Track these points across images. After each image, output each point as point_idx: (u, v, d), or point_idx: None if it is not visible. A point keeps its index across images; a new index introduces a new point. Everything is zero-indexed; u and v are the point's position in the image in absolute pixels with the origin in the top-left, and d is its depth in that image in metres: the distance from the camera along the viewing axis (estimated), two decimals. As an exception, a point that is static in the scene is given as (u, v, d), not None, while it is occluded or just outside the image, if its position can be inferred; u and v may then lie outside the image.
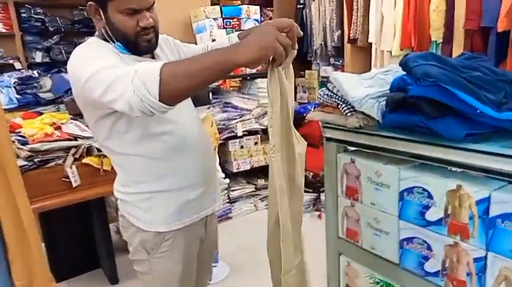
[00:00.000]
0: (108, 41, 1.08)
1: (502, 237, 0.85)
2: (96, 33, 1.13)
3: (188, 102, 1.23)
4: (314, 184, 3.36)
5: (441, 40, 2.95)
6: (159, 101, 0.83)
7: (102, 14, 1.04)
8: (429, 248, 1.00)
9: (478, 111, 0.92)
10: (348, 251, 1.28)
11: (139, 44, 1.07)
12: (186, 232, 1.18)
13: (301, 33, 0.96)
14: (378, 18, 3.37)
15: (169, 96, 0.84)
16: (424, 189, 0.99)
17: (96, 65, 0.91)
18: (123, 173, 1.16)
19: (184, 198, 1.15)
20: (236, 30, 3.22)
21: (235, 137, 3.26)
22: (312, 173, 3.37)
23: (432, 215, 0.98)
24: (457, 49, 2.82)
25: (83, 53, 1.00)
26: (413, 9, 3.07)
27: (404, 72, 1.11)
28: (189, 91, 0.88)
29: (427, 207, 0.99)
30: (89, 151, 2.02)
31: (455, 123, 0.95)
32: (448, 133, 0.94)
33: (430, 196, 0.98)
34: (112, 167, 2.01)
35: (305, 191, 3.38)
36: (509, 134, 0.92)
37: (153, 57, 1.17)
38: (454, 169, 0.99)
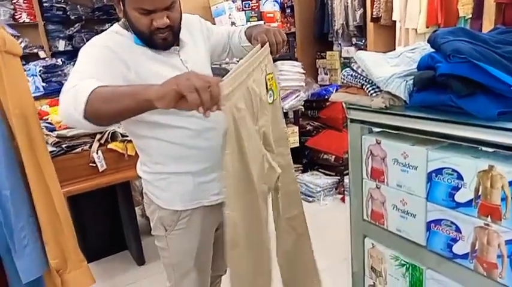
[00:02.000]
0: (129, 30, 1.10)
1: (537, 218, 0.82)
2: (122, 20, 1.14)
3: None
4: (337, 167, 3.33)
5: (470, 15, 2.82)
6: (84, 118, 0.87)
7: (121, 5, 1.06)
8: (458, 230, 0.98)
9: (512, 87, 0.88)
10: (373, 233, 1.27)
11: (154, 41, 1.08)
12: (203, 212, 1.20)
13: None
14: (402, -5, 3.25)
15: (92, 116, 0.87)
16: (453, 170, 0.97)
17: (71, 79, 0.95)
18: (142, 154, 1.21)
19: (200, 180, 1.18)
20: (255, 12, 3.19)
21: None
22: (334, 156, 3.34)
23: (462, 196, 0.95)
24: (488, 24, 2.70)
25: (84, 51, 1.04)
26: (439, -16, 2.95)
27: (432, 50, 1.07)
28: (109, 115, 0.89)
29: (456, 188, 0.96)
30: (113, 136, 2.06)
31: (487, 101, 0.91)
32: (480, 112, 0.90)
33: (460, 177, 0.95)
34: (136, 152, 2.06)
35: (327, 175, 3.38)
36: (545, 112, 0.88)
37: (177, 45, 1.17)
38: (485, 149, 0.96)
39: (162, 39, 1.07)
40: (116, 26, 1.14)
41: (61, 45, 4.46)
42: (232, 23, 3.09)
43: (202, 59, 1.26)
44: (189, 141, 1.13)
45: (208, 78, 0.81)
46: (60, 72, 2.95)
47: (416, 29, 3.18)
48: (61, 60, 3.09)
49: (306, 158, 3.65)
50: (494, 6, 2.65)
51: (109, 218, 2.56)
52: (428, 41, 1.09)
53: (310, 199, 3.15)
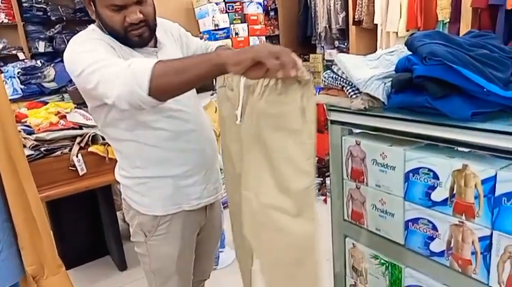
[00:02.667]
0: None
1: (507, 215, 0.84)
2: (96, 22, 1.11)
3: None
4: (319, 169, 3.36)
5: (448, 20, 2.90)
6: (148, 95, 0.84)
7: (92, 7, 1.04)
8: (434, 228, 1.00)
9: (485, 89, 0.90)
10: (353, 233, 1.28)
11: (129, 38, 1.06)
12: (184, 217, 1.19)
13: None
14: (383, -1, 3.31)
15: (158, 91, 0.84)
16: (429, 169, 0.99)
17: (88, 59, 0.92)
18: (121, 158, 1.19)
19: (181, 184, 1.16)
20: (238, 15, 3.20)
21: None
22: (317, 158, 3.36)
23: (438, 195, 0.98)
24: (465, 28, 2.78)
25: (77, 45, 1.00)
26: (419, -11, 3.01)
27: (410, 53, 1.09)
28: (179, 87, 0.87)
29: (432, 187, 0.99)
30: (94, 139, 2.03)
31: (461, 103, 0.94)
32: (454, 113, 0.93)
33: (435, 177, 0.97)
34: (118, 155, 2.04)
35: (311, 176, 3.39)
36: (515, 113, 0.91)
37: (155, 46, 1.16)
38: (460, 149, 0.98)
39: (137, 35, 1.05)
40: (92, 26, 1.11)
41: (41, 46, 4.37)
42: (216, 25, 3.09)
43: None
44: (168, 144, 1.11)
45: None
46: (39, 74, 2.89)
47: (397, 32, 3.24)
48: (41, 61, 3.03)
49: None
50: (470, 11, 2.73)
51: (90, 223, 2.52)
52: (406, 44, 1.11)
53: (294, 201, 3.16)
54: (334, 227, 1.36)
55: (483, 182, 0.87)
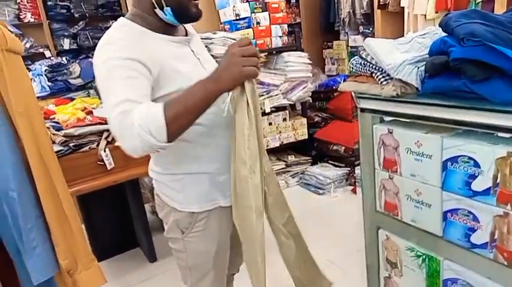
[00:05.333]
0: (154, 8, 1.04)
1: (560, 206, 0.78)
2: (129, 12, 1.09)
3: None
4: (347, 158, 3.29)
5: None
6: (167, 142, 0.90)
7: None
8: (476, 219, 0.95)
9: (530, 70, 0.84)
10: (387, 224, 1.24)
11: (190, 9, 1.07)
12: (220, 213, 1.17)
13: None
14: (409, -20, 3.17)
15: (174, 136, 0.91)
16: (470, 158, 0.93)
17: (108, 96, 0.93)
18: (156, 155, 1.17)
19: (216, 179, 1.14)
20: (259, 3, 3.14)
21: (263, 114, 3.21)
22: (344, 147, 3.30)
23: (479, 184, 0.92)
24: (499, 7, 2.63)
25: (106, 63, 0.96)
26: (448, -33, 2.87)
27: (444, 34, 1.03)
28: (189, 126, 0.95)
29: (473, 176, 0.93)
30: (120, 134, 2.05)
31: (503, 85, 0.88)
32: (496, 96, 0.87)
33: (476, 165, 0.92)
34: (144, 149, 2.05)
35: (337, 166, 3.35)
36: None
37: (186, 35, 1.16)
38: (502, 135, 0.92)
39: (195, 6, 1.08)
40: (124, 21, 1.06)
41: (66, 43, 4.46)
42: (237, 15, 3.05)
43: (211, 59, 1.23)
44: (203, 139, 1.10)
45: (254, 50, 0.94)
46: (65, 71, 2.94)
47: (425, 15, 3.10)
48: (66, 58, 3.08)
49: (315, 150, 3.61)
50: (505, -13, 2.57)
51: (119, 216, 2.56)
52: (440, 25, 1.05)
53: (321, 192, 3.12)
54: (366, 218, 1.31)
55: (531, 170, 0.82)
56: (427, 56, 1.08)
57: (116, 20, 1.11)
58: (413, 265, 1.16)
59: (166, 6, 1.03)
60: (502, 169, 0.87)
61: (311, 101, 3.61)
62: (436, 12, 3.02)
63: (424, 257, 1.12)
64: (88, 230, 2.48)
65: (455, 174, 0.97)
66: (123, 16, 1.09)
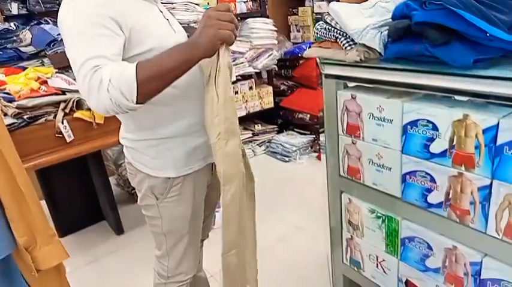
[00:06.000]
0: None
1: (509, 164, 0.83)
2: None
3: (181, 39, 1.14)
4: (312, 126, 3.34)
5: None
6: (136, 103, 0.87)
7: None
8: (432, 180, 0.99)
9: (488, 34, 0.86)
10: (350, 188, 1.28)
11: None
12: (195, 177, 1.17)
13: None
14: None
15: (145, 98, 0.89)
16: (428, 121, 0.96)
17: (77, 54, 0.90)
18: (129, 121, 1.14)
19: (191, 143, 1.14)
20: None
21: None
22: (309, 115, 3.33)
23: (436, 147, 0.96)
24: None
25: (75, 19, 0.92)
26: None
27: (407, -2, 1.03)
28: (162, 90, 0.92)
29: (431, 139, 0.96)
30: (79, 105, 1.95)
31: (463, 49, 0.90)
32: (456, 60, 0.89)
33: (435, 128, 0.95)
34: (105, 120, 1.97)
35: (303, 134, 3.39)
36: (519, 59, 0.87)
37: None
38: (459, 98, 0.95)
39: None
40: None
41: (14, 8, 4.11)
42: None
43: (175, 20, 1.20)
44: (177, 102, 1.08)
45: (231, 16, 0.93)
46: (15, 38, 2.73)
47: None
48: (14, 24, 2.85)
49: (281, 118, 3.63)
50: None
51: (83, 189, 2.49)
52: (403, -11, 1.05)
53: (287, 159, 3.17)
54: (329, 183, 1.35)
55: (484, 131, 0.85)
56: (390, 20, 1.08)
57: None
58: (374, 226, 1.22)
59: None
60: (458, 131, 0.90)
61: (277, 69, 3.58)
62: (400, -21, 3.02)
63: (383, 218, 1.17)
64: (51, 205, 2.40)
65: (415, 137, 1.00)
66: None
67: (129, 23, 0.97)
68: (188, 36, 1.10)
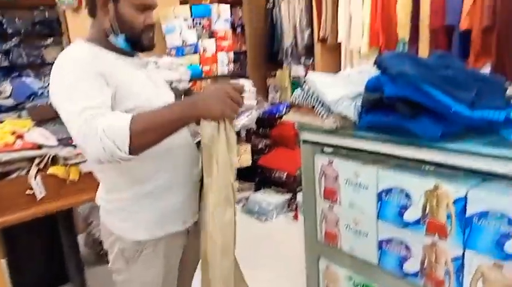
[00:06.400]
0: (108, 36, 1.07)
1: (479, 235, 0.86)
2: (89, 35, 1.10)
3: (169, 102, 1.18)
4: (289, 184, 3.36)
5: (408, 39, 3.01)
6: (128, 155, 0.89)
7: (112, 6, 1.05)
8: (408, 248, 1.00)
9: (452, 110, 0.93)
10: (327, 254, 1.27)
11: (142, 40, 1.10)
12: (168, 241, 1.14)
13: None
14: (346, 18, 3.41)
15: (138, 150, 0.91)
16: (402, 189, 0.99)
17: (72, 104, 0.92)
18: (104, 180, 1.14)
19: (166, 204, 1.11)
20: (206, 31, 3.18)
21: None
22: (286, 174, 3.36)
23: (410, 215, 0.98)
24: (423, 47, 2.89)
25: (67, 72, 0.96)
26: (380, 9, 3.13)
27: (379, 72, 1.11)
28: (156, 143, 0.94)
29: (405, 207, 0.99)
30: (54, 160, 1.91)
31: (430, 123, 0.95)
32: (424, 133, 0.94)
33: (408, 196, 0.98)
34: (80, 177, 1.93)
35: (280, 192, 3.39)
36: (482, 132, 0.93)
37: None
38: (431, 168, 1.00)
39: (148, 39, 1.12)
40: (80, 41, 1.08)
41: (-4, 60, 4.15)
42: (183, 41, 3.06)
43: (166, 86, 1.25)
44: (154, 162, 1.07)
45: (241, 99, 0.97)
46: (-6, 90, 2.72)
47: (359, 50, 3.33)
48: (-5, 76, 2.85)
49: (258, 176, 3.64)
50: (428, 31, 2.85)
51: (48, 247, 2.36)
52: (375, 64, 1.13)
53: (263, 218, 3.13)
54: (307, 248, 1.34)
55: (454, 201, 0.89)
56: (364, 91, 1.15)
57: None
58: (353, 293, 1.20)
59: (121, 33, 1.07)
60: (430, 200, 0.93)
61: (255, 128, 3.66)
62: (370, 49, 3.26)
63: (361, 286, 1.16)
64: (12, 264, 2.24)
65: (390, 204, 1.03)
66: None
67: (115, 82, 1.01)
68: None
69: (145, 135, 0.90)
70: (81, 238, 2.59)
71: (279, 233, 2.92)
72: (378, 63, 1.09)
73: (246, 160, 3.49)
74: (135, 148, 0.89)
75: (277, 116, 3.64)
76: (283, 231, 2.94)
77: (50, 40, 4.42)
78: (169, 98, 1.19)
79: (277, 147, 3.68)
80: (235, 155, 1.04)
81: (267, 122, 3.78)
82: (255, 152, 3.64)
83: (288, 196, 3.31)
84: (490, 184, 0.87)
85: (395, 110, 1.01)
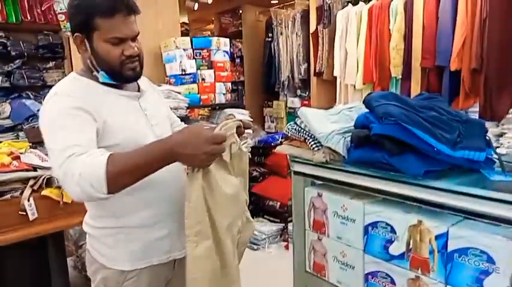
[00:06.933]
0: (92, 72, 1.10)
1: (459, 271, 0.89)
2: (81, 67, 1.14)
3: (158, 132, 1.18)
4: (281, 214, 3.36)
5: (400, 77, 3.12)
6: (107, 194, 0.91)
7: (87, 44, 1.07)
8: (393, 282, 1.03)
9: (435, 149, 0.98)
10: (315, 284, 1.28)
11: (124, 72, 1.09)
12: (152, 272, 1.13)
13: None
14: (341, 54, 3.53)
15: (116, 190, 0.92)
16: (387, 224, 1.03)
17: (53, 142, 0.95)
18: (91, 207, 1.14)
19: (152, 235, 1.12)
20: (205, 61, 3.28)
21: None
22: (279, 203, 3.38)
23: (395, 249, 1.01)
24: (415, 86, 2.99)
25: (56, 112, 1.00)
26: (374, 47, 3.25)
27: (368, 110, 1.16)
28: (135, 182, 0.95)
29: (390, 241, 1.02)
30: (49, 182, 1.93)
31: (414, 161, 1.00)
32: (408, 170, 0.99)
33: (393, 231, 1.01)
34: (73, 200, 1.94)
35: (272, 221, 3.39)
36: (464, 172, 0.98)
37: (138, 90, 1.19)
38: (415, 204, 1.03)
39: (131, 69, 1.10)
40: (74, 75, 1.12)
41: (-3, 81, 4.21)
42: (183, 70, 3.14)
43: (162, 114, 1.26)
44: (141, 192, 1.08)
45: (222, 148, 0.95)
46: (-6, 110, 2.77)
47: (354, 85, 3.44)
48: (-5, 96, 2.90)
49: (252, 204, 3.65)
50: (420, 70, 2.97)
51: (36, 270, 2.33)
52: (363, 102, 1.19)
53: (255, 247, 3.12)
54: (295, 278, 1.35)
55: (436, 237, 0.92)
56: (353, 127, 1.20)
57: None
58: (339, 326, 1.20)
59: (100, 68, 1.08)
60: (414, 236, 0.97)
61: (250, 156, 3.71)
62: (364, 84, 3.36)
63: (348, 318, 1.17)
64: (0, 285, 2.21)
65: (376, 238, 1.06)
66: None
67: (103, 117, 1.03)
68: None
69: (122, 177, 0.91)
70: (70, 261, 2.56)
71: (271, 263, 2.90)
72: (366, 102, 1.15)
73: (240, 188, 3.50)
74: (113, 189, 0.90)
75: (272, 144, 3.70)
76: (275, 261, 2.93)
77: (52, 63, 4.51)
78: (162, 129, 1.19)
79: (272, 175, 3.71)
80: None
81: (263, 150, 3.83)
82: (250, 180, 3.66)
83: (280, 225, 3.32)
84: (470, 222, 0.91)
85: (382, 147, 1.06)
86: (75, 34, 1.07)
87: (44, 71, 4.52)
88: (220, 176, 1.03)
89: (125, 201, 1.08)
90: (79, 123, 0.98)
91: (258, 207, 3.60)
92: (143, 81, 1.24)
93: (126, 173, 0.91)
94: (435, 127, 1.03)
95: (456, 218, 0.94)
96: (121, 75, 1.09)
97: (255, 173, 3.79)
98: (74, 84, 1.08)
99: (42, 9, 3.97)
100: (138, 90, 1.20)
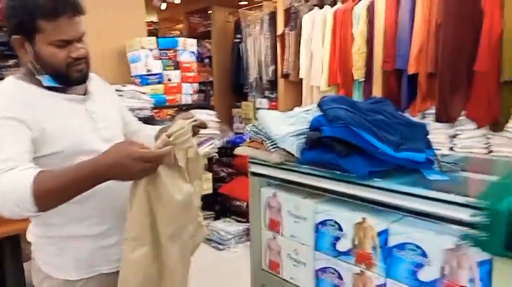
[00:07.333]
0: (34, 74, 1.04)
1: (398, 265, 0.94)
2: (20, 70, 1.08)
3: (106, 136, 1.14)
4: (248, 214, 3.40)
5: (363, 79, 3.23)
6: (38, 211, 0.88)
7: (29, 46, 1.01)
8: (340, 277, 1.08)
9: (379, 150, 1.03)
10: (270, 282, 1.32)
11: (70, 75, 1.06)
12: (100, 281, 1.11)
13: None
14: (307, 56, 3.61)
15: (46, 208, 0.90)
16: (335, 222, 1.08)
17: None
18: (36, 216, 1.10)
19: (99, 244, 1.10)
20: (172, 62, 3.26)
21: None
22: (246, 203, 3.41)
23: (342, 246, 1.06)
24: (376, 88, 3.11)
25: None
26: (338, 50, 3.35)
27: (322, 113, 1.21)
28: (66, 201, 0.92)
29: (338, 238, 1.07)
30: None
31: (360, 161, 1.05)
32: (355, 170, 1.04)
33: (340, 228, 1.06)
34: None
35: (239, 221, 3.42)
36: (407, 172, 1.04)
37: (84, 94, 1.14)
38: (360, 203, 1.09)
39: (79, 71, 1.06)
40: (12, 79, 1.05)
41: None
42: (148, 70, 3.12)
43: (112, 116, 1.22)
44: (91, 201, 1.05)
45: (150, 167, 0.92)
46: None
47: (319, 87, 3.52)
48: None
49: (218, 204, 3.67)
50: (381, 73, 3.08)
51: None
52: (317, 106, 1.24)
53: (221, 247, 3.14)
54: (252, 276, 1.38)
55: (378, 234, 0.98)
56: (308, 130, 1.25)
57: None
58: (292, 322, 1.24)
59: (45, 71, 1.03)
60: (359, 233, 1.02)
61: (218, 156, 3.72)
62: (329, 86, 3.45)
63: (300, 313, 1.21)
64: None
65: (325, 236, 1.11)
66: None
67: (41, 124, 0.99)
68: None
69: (51, 196, 0.88)
70: (27, 265, 2.49)
71: (235, 262, 2.93)
72: (319, 106, 1.20)
73: (207, 187, 3.51)
74: (43, 207, 0.87)
75: (240, 145, 3.73)
76: (239, 260, 2.96)
77: (11, 62, 4.34)
78: (111, 133, 1.16)
79: (239, 176, 3.74)
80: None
81: (231, 150, 3.86)
82: (217, 180, 3.68)
83: (246, 225, 3.35)
84: (409, 219, 0.97)
85: (332, 149, 1.11)
86: (14, 36, 1.01)
87: (3, 69, 4.35)
88: (171, 182, 1.01)
89: (71, 210, 1.04)
90: (11, 134, 0.93)
91: (225, 207, 3.63)
92: (95, 82, 1.20)
93: (53, 192, 0.88)
94: (380, 130, 1.09)
95: (397, 215, 1.00)
96: (68, 78, 1.05)
97: (222, 174, 3.81)
98: (11, 90, 1.02)
99: (1, 5, 3.81)
100: (84, 94, 1.15)
